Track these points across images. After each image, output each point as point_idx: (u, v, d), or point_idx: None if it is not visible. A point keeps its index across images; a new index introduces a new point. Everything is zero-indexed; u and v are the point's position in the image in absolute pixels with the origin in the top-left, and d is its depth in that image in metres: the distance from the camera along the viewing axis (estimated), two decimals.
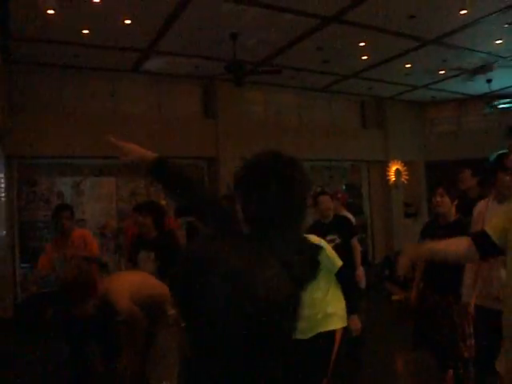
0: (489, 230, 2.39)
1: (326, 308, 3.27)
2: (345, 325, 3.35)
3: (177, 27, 6.94)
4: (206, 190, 2.05)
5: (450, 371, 3.87)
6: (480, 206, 3.58)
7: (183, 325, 1.60)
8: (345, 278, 3.44)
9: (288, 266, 1.42)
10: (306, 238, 1.64)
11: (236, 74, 7.61)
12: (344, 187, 11.31)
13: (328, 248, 3.42)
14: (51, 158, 8.62)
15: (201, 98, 10.28)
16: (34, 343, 6.58)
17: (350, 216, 6.10)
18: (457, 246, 2.49)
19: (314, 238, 3.06)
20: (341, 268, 3.37)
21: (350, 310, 3.41)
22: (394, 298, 7.84)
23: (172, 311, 3.63)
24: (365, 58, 8.71)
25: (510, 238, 2.29)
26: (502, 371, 2.24)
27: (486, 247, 2.37)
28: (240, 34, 7.29)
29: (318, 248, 1.62)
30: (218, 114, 9.91)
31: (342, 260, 3.40)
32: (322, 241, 3.37)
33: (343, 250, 4.68)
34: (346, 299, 3.39)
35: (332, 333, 3.28)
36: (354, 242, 5.38)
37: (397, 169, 12.00)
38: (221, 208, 1.87)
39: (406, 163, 12.08)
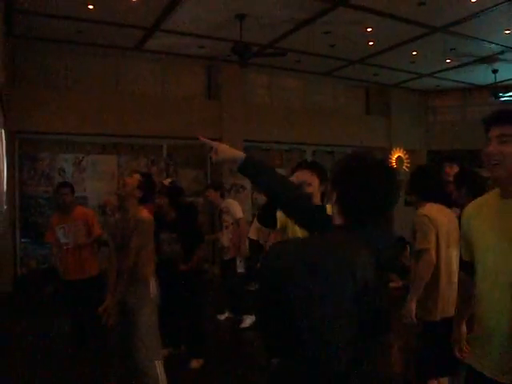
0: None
1: None
2: None
3: (183, 6, 6.87)
4: (293, 187, 2.14)
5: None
6: None
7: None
8: None
9: (379, 256, 1.54)
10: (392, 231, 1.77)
11: (241, 55, 7.55)
12: None
13: None
14: (53, 134, 8.59)
15: (205, 78, 10.23)
16: (33, 317, 6.64)
17: None
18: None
19: None
20: None
21: None
22: (392, 285, 7.90)
23: (154, 289, 3.69)
24: (371, 43, 8.65)
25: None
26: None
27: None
28: (247, 16, 7.23)
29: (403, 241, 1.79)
30: (222, 96, 9.87)
31: None
32: None
33: None
34: None
35: None
36: None
37: (399, 156, 11.99)
38: (307, 204, 2.03)
39: (408, 151, 12.07)
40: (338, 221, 1.64)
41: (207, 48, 8.74)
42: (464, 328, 2.40)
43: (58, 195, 5.32)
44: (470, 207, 2.16)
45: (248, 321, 6.17)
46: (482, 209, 2.07)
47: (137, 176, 3.79)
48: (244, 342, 5.93)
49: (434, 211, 3.41)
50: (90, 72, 9.04)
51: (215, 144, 2.18)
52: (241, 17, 7.24)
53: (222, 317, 6.62)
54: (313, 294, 1.42)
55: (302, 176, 2.91)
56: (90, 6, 6.80)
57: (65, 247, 5.26)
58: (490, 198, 2.07)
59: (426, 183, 3.60)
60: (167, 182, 7.28)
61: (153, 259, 3.81)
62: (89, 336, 5.26)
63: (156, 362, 3.56)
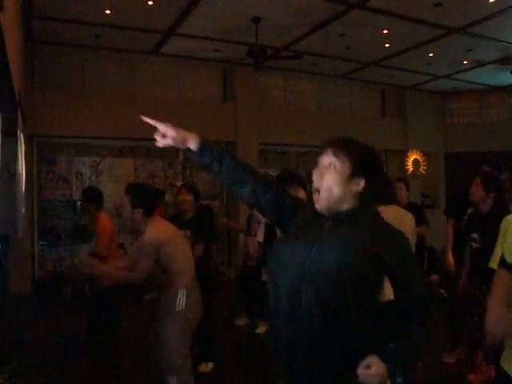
0: None
1: None
2: None
3: (199, 10, 6.91)
4: (257, 171, 2.08)
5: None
6: None
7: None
8: None
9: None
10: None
11: (257, 58, 7.56)
12: None
13: None
14: (71, 137, 8.69)
15: (220, 82, 10.26)
16: (51, 319, 6.71)
17: None
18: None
19: None
20: None
21: None
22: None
23: (183, 299, 3.50)
24: (387, 45, 8.61)
25: None
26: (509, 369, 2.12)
27: None
28: (262, 19, 7.25)
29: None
30: (237, 99, 9.89)
31: None
32: None
33: None
34: None
35: None
36: None
37: (415, 159, 11.90)
38: (279, 185, 2.08)
39: (424, 154, 11.97)
40: (350, 203, 1.78)
41: (223, 51, 8.77)
42: None
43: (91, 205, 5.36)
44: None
45: (264, 328, 6.12)
46: None
47: (125, 199, 3.65)
48: (259, 347, 5.88)
49: None
50: (107, 76, 9.13)
51: (159, 124, 2.11)
52: (256, 20, 7.25)
53: (239, 323, 6.54)
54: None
55: None
56: (107, 11, 6.87)
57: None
58: None
59: None
60: (179, 183, 7.31)
61: (186, 271, 3.63)
62: (105, 336, 5.31)
63: (172, 380, 3.43)
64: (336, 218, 1.76)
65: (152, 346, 3.61)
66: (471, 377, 4.18)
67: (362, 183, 1.74)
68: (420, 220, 5.19)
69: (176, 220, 4.63)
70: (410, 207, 5.25)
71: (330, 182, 1.73)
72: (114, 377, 4.54)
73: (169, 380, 3.44)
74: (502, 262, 2.26)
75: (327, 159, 1.76)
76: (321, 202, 1.75)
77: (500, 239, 2.61)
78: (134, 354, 5.09)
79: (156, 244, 3.42)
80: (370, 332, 1.65)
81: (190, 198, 4.90)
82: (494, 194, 3.95)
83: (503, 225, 2.30)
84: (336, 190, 1.73)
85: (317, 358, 1.67)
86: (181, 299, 3.48)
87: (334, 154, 1.75)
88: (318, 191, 1.75)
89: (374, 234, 1.71)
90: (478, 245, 3.99)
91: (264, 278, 5.14)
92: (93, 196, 5.11)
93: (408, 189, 5.50)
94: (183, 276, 3.56)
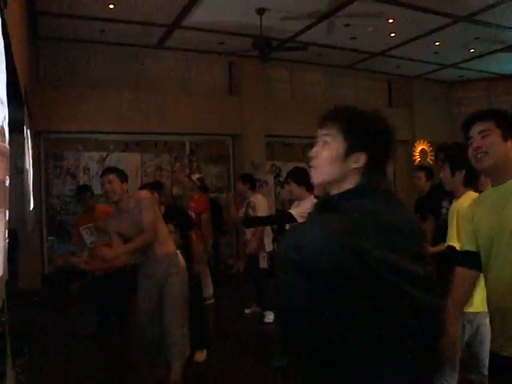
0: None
1: None
2: None
3: (203, 2, 6.89)
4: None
5: None
6: None
7: None
8: None
9: None
10: None
11: (262, 50, 7.54)
12: None
13: None
14: (77, 132, 8.71)
15: (226, 74, 10.24)
16: (60, 314, 6.77)
17: None
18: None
19: None
20: None
21: None
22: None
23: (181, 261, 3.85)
24: (393, 35, 8.55)
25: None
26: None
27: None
28: (266, 10, 7.21)
29: None
30: (243, 91, 9.87)
31: None
32: None
33: None
34: None
35: None
36: None
37: (422, 149, 11.84)
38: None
39: (432, 144, 11.90)
40: (350, 184, 1.58)
41: (228, 44, 8.74)
42: None
43: (82, 198, 5.77)
44: (474, 199, 2.38)
45: (271, 316, 6.16)
46: (480, 199, 2.30)
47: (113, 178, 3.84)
48: (265, 335, 5.91)
49: None
50: (112, 71, 9.14)
51: None
52: (261, 11, 7.22)
53: (248, 310, 6.62)
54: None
55: None
56: (111, 6, 6.87)
57: (91, 245, 5.40)
58: (486, 191, 2.28)
59: None
60: (195, 177, 7.33)
61: (169, 236, 3.95)
62: (114, 332, 5.36)
63: (183, 330, 3.71)
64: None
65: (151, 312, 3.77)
66: None
67: (363, 158, 1.56)
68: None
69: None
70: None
71: (322, 159, 1.60)
72: (124, 368, 4.58)
73: (172, 342, 3.65)
74: (461, 260, 2.30)
75: (320, 134, 1.62)
76: (315, 180, 1.63)
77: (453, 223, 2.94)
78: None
79: (154, 201, 3.83)
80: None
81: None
82: None
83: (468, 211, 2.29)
84: (329, 169, 1.59)
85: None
86: (176, 262, 3.81)
87: (326, 129, 1.60)
88: (312, 169, 1.63)
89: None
90: None
91: (262, 265, 5.13)
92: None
93: (430, 177, 5.31)
94: (170, 240, 3.88)
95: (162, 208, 4.78)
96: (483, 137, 2.13)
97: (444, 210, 3.99)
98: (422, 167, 5.72)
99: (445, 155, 3.29)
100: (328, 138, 1.59)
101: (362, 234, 1.39)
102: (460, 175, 2.97)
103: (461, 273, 2.31)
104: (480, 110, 2.27)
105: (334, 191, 1.60)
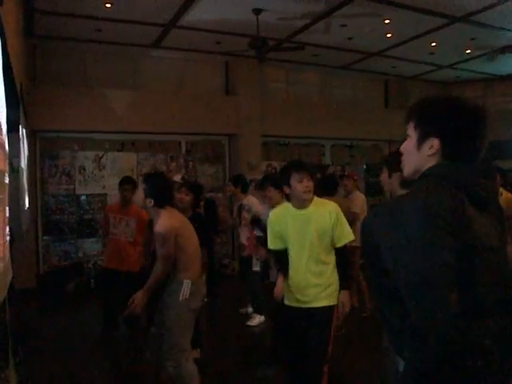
0: None
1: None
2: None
3: (199, 2, 6.88)
4: None
5: None
6: None
7: None
8: (345, 255, 3.56)
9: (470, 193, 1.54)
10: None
11: (259, 50, 7.54)
12: (365, 167, 11.22)
13: (342, 218, 3.49)
14: (73, 132, 8.68)
15: (222, 74, 10.23)
16: (55, 313, 6.75)
17: (362, 196, 6.59)
18: None
19: None
20: (345, 245, 3.52)
21: (343, 287, 3.50)
22: None
23: (187, 290, 3.57)
24: (389, 35, 8.56)
25: None
26: None
27: None
28: (263, 10, 7.21)
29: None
30: (240, 91, 9.86)
31: None
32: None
33: None
34: (341, 276, 3.51)
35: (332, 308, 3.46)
36: None
37: None
38: None
39: None
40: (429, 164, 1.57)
41: (224, 43, 8.73)
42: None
43: (121, 190, 5.66)
44: None
45: (256, 320, 6.13)
46: None
47: (140, 187, 3.71)
48: (247, 337, 5.87)
49: None
50: (108, 70, 9.12)
51: None
52: (257, 11, 7.22)
53: (244, 311, 6.60)
54: (397, 244, 1.43)
55: None
56: (108, 5, 6.85)
57: (111, 236, 5.58)
58: None
59: None
60: (178, 178, 7.31)
61: (194, 263, 3.71)
62: (116, 327, 5.38)
63: (182, 360, 3.50)
64: None
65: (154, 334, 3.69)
66: None
67: (436, 144, 1.53)
68: None
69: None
70: None
71: (405, 150, 1.65)
72: (117, 366, 4.57)
73: (170, 367, 3.49)
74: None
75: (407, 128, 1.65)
76: (404, 173, 1.68)
77: None
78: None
79: (173, 231, 3.49)
80: None
81: (188, 198, 4.80)
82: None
83: None
84: (410, 159, 1.63)
85: None
86: (185, 289, 3.54)
87: (407, 121, 1.64)
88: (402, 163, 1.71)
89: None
90: None
91: (255, 267, 5.09)
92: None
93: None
94: (190, 267, 3.62)
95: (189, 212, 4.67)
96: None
97: None
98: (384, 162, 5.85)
99: (384, 160, 3.66)
100: (408, 129, 1.62)
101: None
102: (396, 178, 3.15)
103: None
104: None
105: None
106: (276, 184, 4.42)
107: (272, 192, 4.49)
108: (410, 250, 1.39)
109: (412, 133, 1.61)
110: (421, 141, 1.57)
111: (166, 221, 3.51)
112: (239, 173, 7.72)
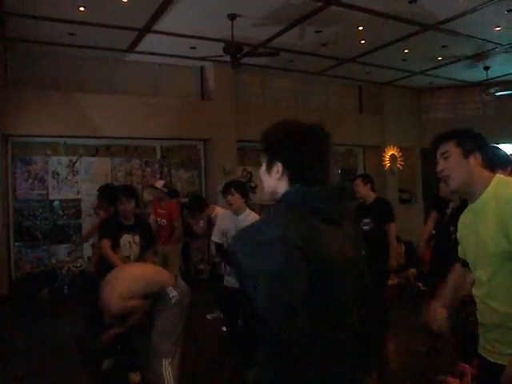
0: None
1: None
2: None
3: (174, 7, 6.88)
4: None
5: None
6: None
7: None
8: None
9: (320, 211, 1.70)
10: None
11: (233, 55, 7.56)
12: (339, 171, 11.32)
13: None
14: (46, 136, 8.57)
15: (197, 79, 10.23)
16: (29, 320, 6.64)
17: None
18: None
19: None
20: None
21: None
22: (389, 283, 7.96)
23: (174, 293, 3.68)
24: (363, 42, 8.67)
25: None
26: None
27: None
28: (238, 16, 7.24)
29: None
30: (215, 96, 9.86)
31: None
32: None
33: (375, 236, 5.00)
34: None
35: None
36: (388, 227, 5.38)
37: (392, 154, 12.02)
38: None
39: (401, 149, 12.10)
40: (279, 190, 1.70)
41: (199, 49, 8.73)
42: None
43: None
44: (461, 216, 2.37)
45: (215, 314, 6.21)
46: (463, 215, 2.33)
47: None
48: (221, 342, 5.85)
49: None
50: (82, 74, 9.02)
51: None
52: (232, 17, 7.24)
53: (210, 316, 6.61)
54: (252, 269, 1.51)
55: None
56: (81, 8, 6.79)
57: None
58: (469, 204, 2.27)
59: None
60: (160, 184, 7.28)
61: (159, 274, 3.85)
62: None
63: (165, 362, 3.59)
64: None
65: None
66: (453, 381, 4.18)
67: (280, 168, 1.70)
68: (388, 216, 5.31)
69: (119, 222, 4.47)
70: (378, 203, 5.40)
71: (261, 174, 1.80)
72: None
73: (159, 365, 3.58)
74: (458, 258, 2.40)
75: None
76: None
77: None
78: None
79: (122, 300, 3.57)
80: None
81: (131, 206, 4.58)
82: None
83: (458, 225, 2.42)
84: (265, 183, 1.78)
85: None
86: (173, 295, 3.66)
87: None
88: None
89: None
90: None
91: (226, 283, 5.05)
92: None
93: (366, 183, 5.51)
94: (161, 281, 3.74)
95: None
96: (445, 158, 2.18)
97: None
98: (359, 175, 5.99)
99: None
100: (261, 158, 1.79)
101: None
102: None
103: (456, 266, 2.45)
104: (443, 132, 2.30)
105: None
106: (240, 189, 4.45)
107: (235, 196, 4.47)
108: (267, 280, 1.48)
109: (263, 158, 1.77)
110: (269, 165, 1.72)
111: (109, 302, 3.59)
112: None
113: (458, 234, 2.34)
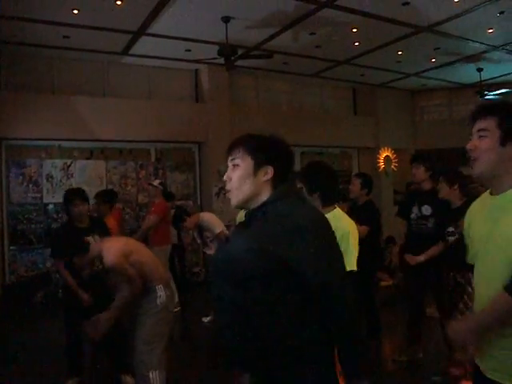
0: None
1: None
2: None
3: (168, 10, 6.88)
4: None
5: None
6: None
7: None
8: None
9: None
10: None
11: (228, 58, 7.56)
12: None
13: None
14: (40, 139, 8.54)
15: (192, 82, 10.22)
16: (23, 324, 6.61)
17: None
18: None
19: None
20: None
21: None
22: (383, 283, 7.98)
23: (162, 292, 3.66)
24: (357, 44, 8.70)
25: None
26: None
27: None
28: (232, 18, 7.25)
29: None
30: (209, 99, 9.85)
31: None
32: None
33: None
34: None
35: None
36: None
37: (387, 156, 12.05)
38: None
39: (396, 151, 12.14)
40: (263, 192, 1.93)
41: (194, 51, 8.73)
42: None
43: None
44: (472, 207, 2.08)
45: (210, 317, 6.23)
46: (477, 208, 2.01)
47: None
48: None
49: None
50: (76, 77, 9.00)
51: None
52: (226, 19, 7.25)
53: (206, 319, 6.61)
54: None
55: None
56: (75, 11, 6.78)
57: None
58: (484, 196, 1.98)
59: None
60: (157, 182, 7.26)
61: (158, 268, 3.84)
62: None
63: (151, 371, 3.54)
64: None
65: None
66: (454, 371, 4.21)
67: (271, 170, 1.90)
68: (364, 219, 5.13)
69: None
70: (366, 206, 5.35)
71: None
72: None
73: (147, 378, 3.53)
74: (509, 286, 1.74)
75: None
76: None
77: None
78: None
79: (123, 256, 3.55)
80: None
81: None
82: (458, 188, 4.17)
83: (467, 217, 2.08)
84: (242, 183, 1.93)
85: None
86: (161, 294, 3.65)
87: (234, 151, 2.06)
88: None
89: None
90: (454, 237, 4.08)
91: None
92: None
93: (364, 186, 5.39)
94: (156, 274, 3.72)
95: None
96: (480, 137, 1.83)
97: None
98: (360, 174, 5.80)
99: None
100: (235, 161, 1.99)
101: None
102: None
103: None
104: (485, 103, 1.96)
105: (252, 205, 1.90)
106: None
107: None
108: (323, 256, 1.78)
109: (241, 161, 1.96)
110: (256, 168, 1.90)
111: (111, 251, 3.57)
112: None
113: (466, 227, 2.06)
